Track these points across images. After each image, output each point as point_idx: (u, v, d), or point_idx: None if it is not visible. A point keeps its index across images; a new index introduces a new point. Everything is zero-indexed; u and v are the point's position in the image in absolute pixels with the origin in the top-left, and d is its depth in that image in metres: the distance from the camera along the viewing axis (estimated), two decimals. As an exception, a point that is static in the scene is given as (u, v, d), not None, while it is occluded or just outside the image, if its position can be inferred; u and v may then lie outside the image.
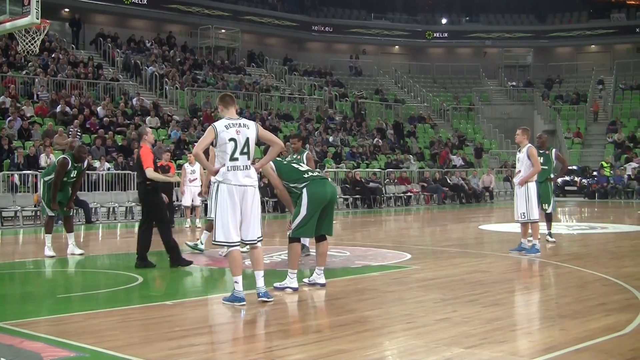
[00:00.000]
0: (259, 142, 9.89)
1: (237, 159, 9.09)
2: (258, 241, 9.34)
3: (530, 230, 15.02)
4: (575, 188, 40.95)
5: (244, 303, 9.05)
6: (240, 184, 9.07)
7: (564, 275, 11.92)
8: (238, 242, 9.17)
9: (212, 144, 9.21)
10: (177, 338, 7.53)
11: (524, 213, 14.98)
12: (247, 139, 9.16)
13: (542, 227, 16.14)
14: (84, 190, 24.66)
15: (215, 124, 9.26)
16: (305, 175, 10.14)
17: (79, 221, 23.70)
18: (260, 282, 9.32)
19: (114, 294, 10.57)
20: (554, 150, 17.04)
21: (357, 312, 8.77)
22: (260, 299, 9.27)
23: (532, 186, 15.01)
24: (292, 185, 10.15)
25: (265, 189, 27.84)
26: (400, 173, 36.28)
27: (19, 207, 23.13)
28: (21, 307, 9.68)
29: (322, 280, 10.44)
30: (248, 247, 9.56)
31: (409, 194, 35.30)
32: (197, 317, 8.73)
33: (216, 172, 9.20)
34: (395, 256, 14.28)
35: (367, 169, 35.47)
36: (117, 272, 12.91)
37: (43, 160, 24.88)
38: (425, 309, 8.95)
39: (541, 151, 16.52)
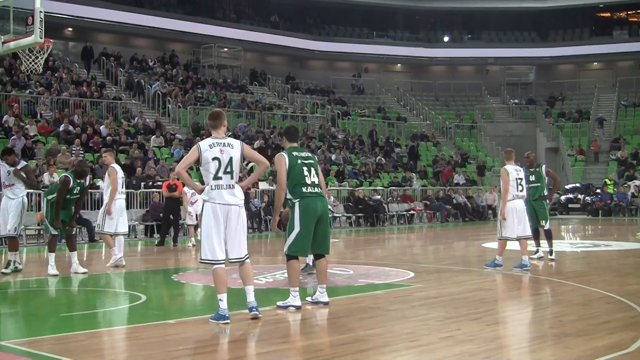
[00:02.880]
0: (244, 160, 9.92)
1: (220, 178, 9.17)
2: (245, 259, 9.36)
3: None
4: (578, 205, 40.84)
5: (229, 321, 9.05)
6: (225, 203, 9.15)
7: (568, 293, 11.89)
8: (223, 260, 9.20)
9: (196, 162, 9.30)
10: (180, 357, 7.53)
11: (499, 230, 15.38)
12: (231, 159, 9.24)
13: (539, 244, 16.18)
14: (87, 209, 24.64)
15: (200, 143, 9.40)
16: (304, 190, 10.06)
17: (82, 240, 23.70)
18: (250, 297, 9.33)
19: (116, 313, 10.56)
20: (543, 166, 17.09)
21: (360, 331, 8.75)
22: (251, 313, 9.28)
23: (509, 205, 15.20)
24: (289, 190, 10.12)
25: (268, 208, 27.89)
26: (403, 191, 36.26)
27: (23, 226, 23.05)
28: (24, 325, 9.68)
29: (325, 298, 10.42)
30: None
31: (411, 212, 35.27)
32: (200, 336, 8.70)
33: (201, 191, 9.29)
34: (398, 274, 14.24)
35: (369, 187, 35.43)
36: (120, 290, 12.91)
37: (46, 179, 24.88)
38: (429, 327, 8.93)
39: (531, 169, 16.72)
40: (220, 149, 9.23)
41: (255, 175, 10.02)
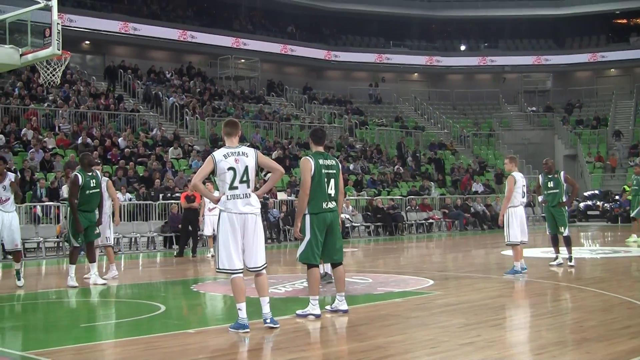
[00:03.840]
0: (260, 169, 9.96)
1: (236, 188, 9.19)
2: (262, 268, 9.36)
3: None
4: (597, 212, 40.66)
5: (248, 330, 9.07)
6: (240, 212, 9.15)
7: (588, 298, 11.84)
8: (241, 269, 9.21)
9: (212, 173, 9.32)
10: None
11: (505, 236, 15.47)
12: (246, 167, 9.24)
13: (558, 251, 16.15)
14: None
15: (214, 153, 9.37)
16: (323, 205, 10.05)
17: (101, 252, 23.77)
18: (266, 309, 9.34)
19: (136, 323, 10.58)
20: (562, 173, 17.02)
21: (380, 338, 8.74)
22: (266, 325, 9.27)
23: (512, 211, 15.33)
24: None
25: (287, 218, 27.89)
26: (421, 200, 36.22)
27: (42, 239, 23.20)
28: (45, 336, 9.72)
29: (344, 306, 10.41)
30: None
31: (430, 220, 35.20)
32: (220, 345, 8.71)
33: (218, 201, 9.31)
34: (418, 282, 14.22)
35: (388, 197, 35.38)
36: (140, 301, 12.94)
37: (65, 191, 24.98)
38: (449, 333, 8.91)
39: (549, 176, 16.75)
40: (235, 158, 9.23)
41: (270, 182, 10.01)
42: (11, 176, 14.45)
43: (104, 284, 14.80)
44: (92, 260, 14.89)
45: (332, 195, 10.20)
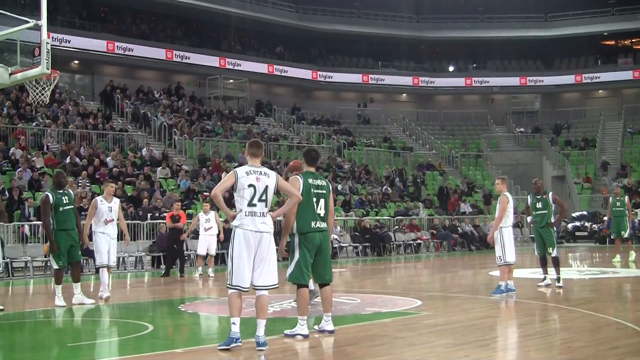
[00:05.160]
0: (278, 192, 10.01)
1: (255, 205, 9.27)
2: (273, 287, 9.43)
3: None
4: (585, 233, 40.74)
5: (240, 344, 9.09)
6: (257, 230, 9.23)
7: (577, 319, 11.84)
8: (248, 288, 9.24)
9: (232, 188, 9.34)
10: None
11: (500, 257, 15.54)
12: (266, 187, 9.36)
13: (546, 272, 16.20)
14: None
15: (237, 169, 9.47)
16: (312, 224, 10.12)
17: (89, 271, 23.71)
18: (260, 331, 9.32)
19: (124, 343, 10.54)
20: (550, 193, 17.06)
21: (368, 358, 8.73)
22: (258, 348, 9.24)
23: (506, 231, 15.53)
24: (296, 217, 10.16)
25: (276, 237, 27.82)
26: (409, 220, 36.23)
27: (29, 258, 23.13)
28: (31, 355, 9.67)
29: (330, 326, 10.40)
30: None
31: (418, 241, 35.20)
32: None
33: (233, 217, 9.33)
34: (406, 303, 14.21)
35: (376, 217, 35.39)
36: (127, 320, 12.90)
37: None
38: (437, 354, 8.91)
39: (538, 196, 16.84)
40: (256, 177, 9.34)
41: (286, 206, 9.93)
42: None
43: (92, 304, 14.74)
44: (76, 279, 14.79)
45: (322, 215, 10.25)
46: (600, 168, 48.84)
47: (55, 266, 14.45)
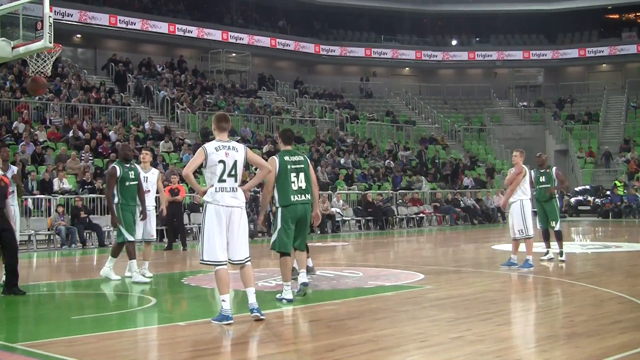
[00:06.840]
0: (248, 165, 10.14)
1: (224, 181, 9.29)
2: (246, 261, 9.44)
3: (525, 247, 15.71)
4: (588, 208, 40.69)
5: (232, 322, 9.10)
6: (227, 205, 9.25)
7: (579, 293, 11.86)
8: (225, 261, 9.28)
9: (201, 165, 9.41)
10: (191, 359, 7.53)
11: (521, 230, 15.71)
12: (235, 162, 9.37)
13: (549, 246, 16.22)
14: (97, 214, 24.75)
15: (206, 145, 9.47)
16: (292, 198, 10.83)
17: (92, 245, 23.77)
18: (252, 299, 9.41)
19: (127, 316, 10.57)
20: (554, 168, 17.05)
21: (371, 332, 8.73)
22: (252, 315, 9.31)
23: (527, 204, 15.75)
24: (277, 193, 10.93)
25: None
26: (412, 194, 36.23)
27: (33, 231, 23.19)
28: (35, 328, 9.70)
29: (304, 279, 11.37)
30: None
31: (421, 215, 35.23)
32: (211, 338, 8.69)
33: (204, 193, 9.37)
34: (408, 276, 14.21)
35: (378, 191, 35.39)
36: (131, 294, 12.93)
37: (56, 184, 25.00)
38: (439, 327, 8.92)
39: (542, 170, 16.79)
40: (225, 152, 9.33)
41: (257, 179, 10.16)
42: (14, 169, 14.29)
43: (118, 280, 14.43)
44: (132, 257, 14.11)
45: (304, 187, 10.94)
46: (601, 158, 48.25)
47: (129, 238, 13.68)
